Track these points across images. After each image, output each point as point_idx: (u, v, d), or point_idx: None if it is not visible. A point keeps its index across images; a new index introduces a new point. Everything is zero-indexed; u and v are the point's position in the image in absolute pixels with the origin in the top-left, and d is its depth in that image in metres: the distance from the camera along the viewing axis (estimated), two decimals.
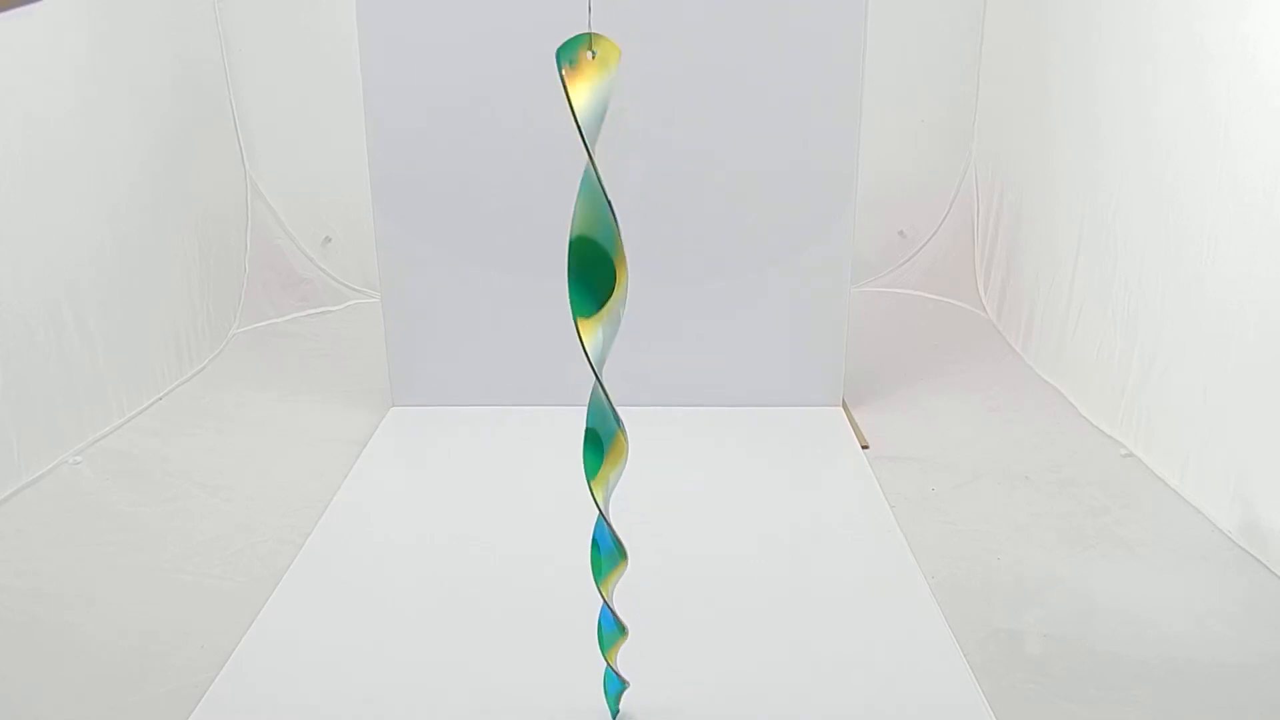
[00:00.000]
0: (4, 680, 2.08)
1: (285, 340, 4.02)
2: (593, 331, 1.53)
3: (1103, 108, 3.23)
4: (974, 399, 3.43)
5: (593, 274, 1.51)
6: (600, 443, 1.64)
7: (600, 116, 1.41)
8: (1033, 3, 3.82)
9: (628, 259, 1.51)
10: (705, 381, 3.34)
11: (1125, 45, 3.11)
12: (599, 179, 1.44)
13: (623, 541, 1.71)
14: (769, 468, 3.03)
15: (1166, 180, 2.86)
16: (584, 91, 1.39)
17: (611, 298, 1.52)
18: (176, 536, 2.62)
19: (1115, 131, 3.16)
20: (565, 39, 1.38)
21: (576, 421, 1.64)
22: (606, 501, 1.69)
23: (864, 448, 3.10)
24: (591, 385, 1.60)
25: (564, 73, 1.37)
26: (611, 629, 1.83)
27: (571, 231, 1.50)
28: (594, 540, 1.75)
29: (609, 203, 1.46)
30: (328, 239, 4.35)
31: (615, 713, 1.94)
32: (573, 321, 1.52)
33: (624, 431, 1.64)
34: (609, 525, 1.70)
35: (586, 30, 1.40)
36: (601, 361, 1.55)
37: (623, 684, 1.90)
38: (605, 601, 1.79)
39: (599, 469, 1.65)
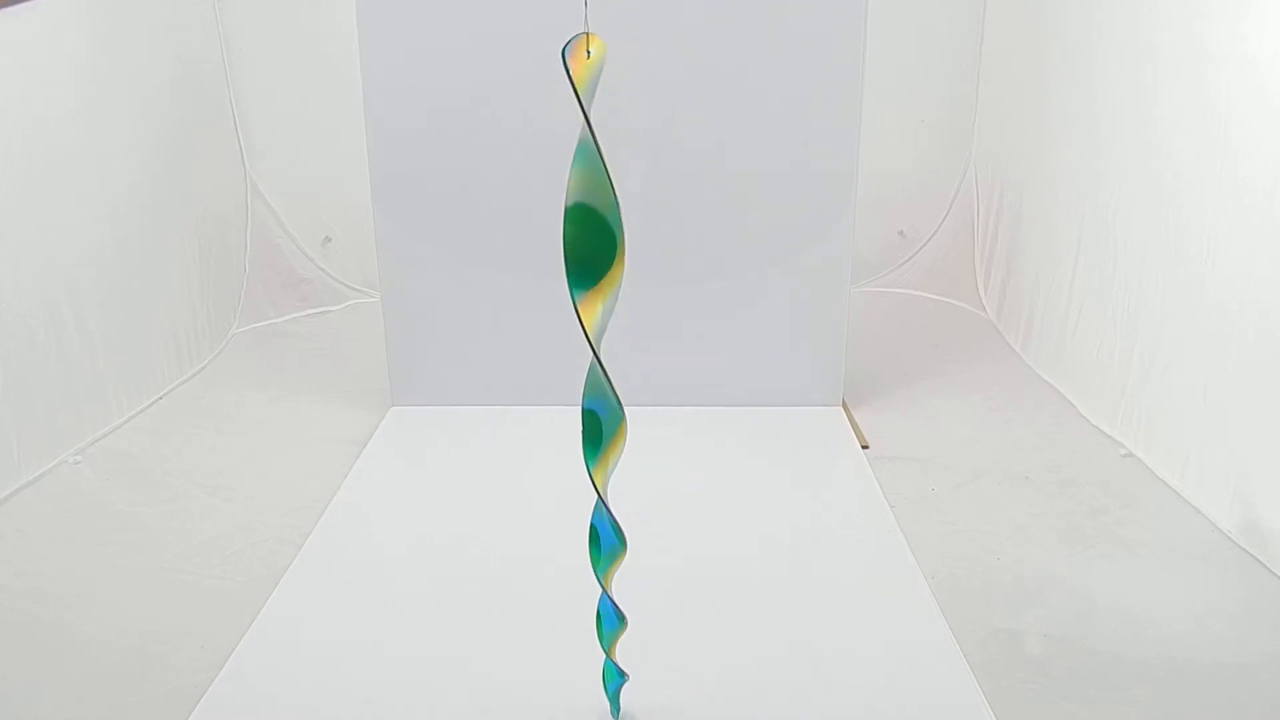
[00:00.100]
0: (4, 680, 2.08)
1: (285, 340, 4.02)
2: (591, 306, 1.47)
3: (1103, 108, 3.23)
4: (974, 399, 3.43)
5: (591, 243, 1.45)
6: (599, 424, 1.59)
7: (594, 86, 1.43)
8: (1033, 3, 3.82)
9: (627, 259, 1.49)
10: (705, 381, 3.34)
11: (1125, 45, 3.11)
12: (595, 142, 1.41)
13: (622, 529, 1.70)
14: (769, 468, 3.03)
15: (1166, 180, 2.86)
16: (580, 68, 1.41)
17: (612, 268, 1.46)
18: (176, 536, 2.62)
19: (1115, 131, 3.16)
20: (565, 39, 1.42)
21: (577, 421, 1.63)
22: (605, 486, 1.65)
23: (864, 448, 3.10)
24: (589, 364, 1.54)
25: (565, 56, 1.42)
26: (611, 619, 1.82)
27: (567, 199, 1.45)
28: (592, 527, 1.72)
29: (607, 171, 1.42)
30: (328, 239, 4.35)
31: (616, 712, 1.94)
32: (569, 294, 1.46)
33: (623, 411, 1.58)
34: (608, 511, 1.68)
35: (585, 30, 1.42)
36: (599, 338, 1.49)
37: (622, 677, 1.89)
38: (605, 591, 1.78)
39: (598, 451, 1.61)
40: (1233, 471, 2.57)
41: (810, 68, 3.09)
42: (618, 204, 1.45)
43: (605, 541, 1.72)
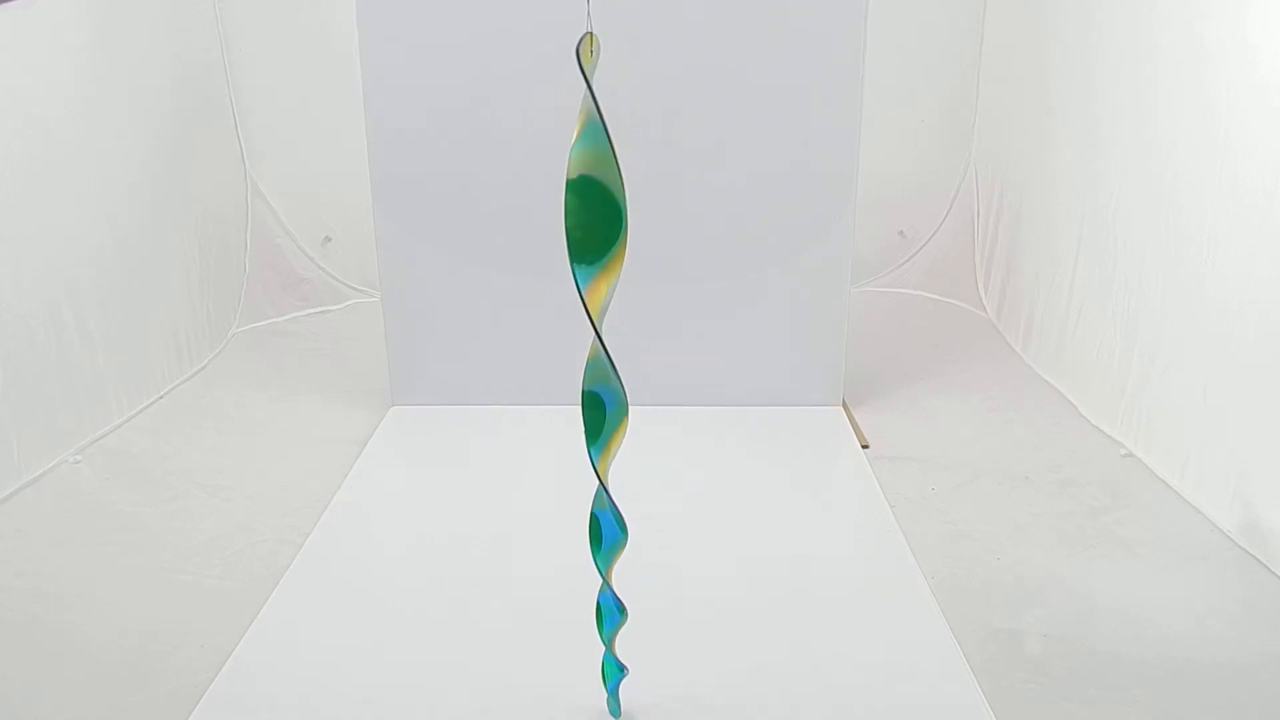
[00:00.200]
0: (4, 680, 2.08)
1: (285, 340, 4.02)
2: (594, 282, 1.42)
3: (1103, 108, 3.23)
4: (974, 399, 3.43)
5: (595, 216, 1.40)
6: (602, 406, 1.55)
7: (590, 76, 1.45)
8: (1033, 3, 3.82)
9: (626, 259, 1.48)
10: (705, 381, 3.34)
11: (1125, 45, 3.11)
12: (600, 114, 1.38)
13: (624, 517, 1.68)
14: (769, 467, 3.03)
15: (1166, 180, 2.86)
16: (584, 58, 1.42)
17: (617, 243, 1.41)
18: (176, 536, 2.62)
19: (1115, 131, 3.16)
20: (565, 39, 1.44)
21: (576, 421, 1.62)
22: (607, 473, 1.62)
23: (864, 448, 3.10)
24: (591, 342, 1.49)
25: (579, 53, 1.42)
26: (612, 612, 1.81)
27: (569, 174, 1.41)
28: (593, 517, 1.70)
29: (612, 145, 1.39)
30: (328, 239, 4.35)
31: (616, 711, 1.93)
32: (570, 270, 1.41)
33: (625, 393, 1.54)
34: (610, 499, 1.66)
35: (587, 30, 1.42)
36: (601, 319, 1.45)
37: (622, 671, 1.89)
38: (606, 583, 1.78)
39: (600, 434, 1.57)
40: (1233, 471, 2.57)
41: (810, 68, 3.09)
42: (623, 181, 1.40)
43: (607, 531, 1.70)
